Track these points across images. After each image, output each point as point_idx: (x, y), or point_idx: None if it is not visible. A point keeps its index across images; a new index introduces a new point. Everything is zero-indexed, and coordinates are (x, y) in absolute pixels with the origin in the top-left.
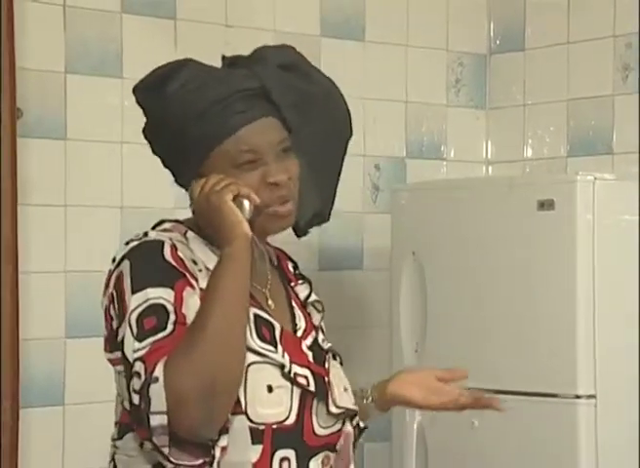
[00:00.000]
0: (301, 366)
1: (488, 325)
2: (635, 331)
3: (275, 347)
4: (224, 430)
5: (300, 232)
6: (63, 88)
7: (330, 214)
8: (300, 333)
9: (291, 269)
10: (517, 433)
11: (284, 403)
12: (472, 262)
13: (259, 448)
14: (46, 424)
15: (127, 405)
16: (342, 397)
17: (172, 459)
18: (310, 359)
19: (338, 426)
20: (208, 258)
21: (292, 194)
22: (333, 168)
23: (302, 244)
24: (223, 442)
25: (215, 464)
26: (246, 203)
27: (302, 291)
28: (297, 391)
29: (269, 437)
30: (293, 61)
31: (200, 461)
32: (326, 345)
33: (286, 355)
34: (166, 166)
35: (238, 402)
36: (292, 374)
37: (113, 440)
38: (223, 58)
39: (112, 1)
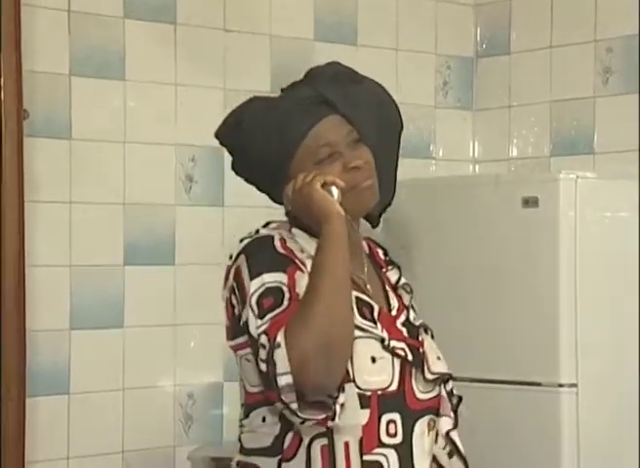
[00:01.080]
0: (398, 340)
1: (474, 317)
2: (614, 322)
3: (375, 324)
4: (342, 389)
5: (374, 222)
6: (68, 90)
7: (392, 200)
8: (394, 313)
9: (381, 256)
10: (502, 420)
11: (387, 371)
12: (459, 257)
13: (366, 411)
14: (52, 412)
15: (251, 384)
16: (436, 364)
17: (299, 414)
18: (405, 334)
19: (436, 391)
20: (312, 248)
21: (371, 174)
22: (392, 157)
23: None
24: (342, 399)
25: (337, 419)
26: (333, 189)
27: (393, 275)
28: (396, 361)
29: (376, 402)
30: (340, 71)
31: (323, 416)
32: (417, 322)
33: (385, 331)
34: (261, 190)
35: (347, 371)
36: (391, 347)
37: (240, 420)
38: (282, 89)
39: (115, 7)
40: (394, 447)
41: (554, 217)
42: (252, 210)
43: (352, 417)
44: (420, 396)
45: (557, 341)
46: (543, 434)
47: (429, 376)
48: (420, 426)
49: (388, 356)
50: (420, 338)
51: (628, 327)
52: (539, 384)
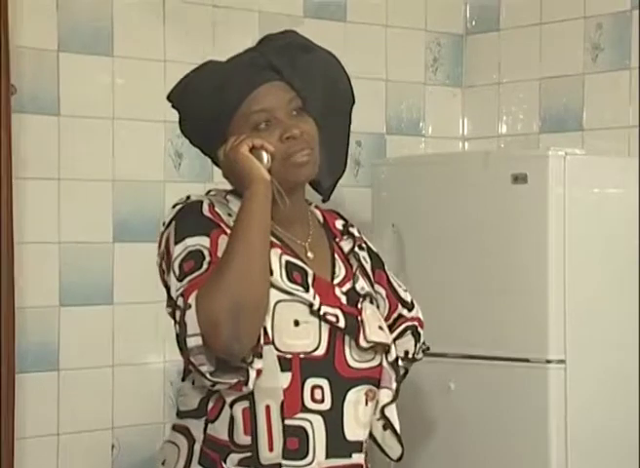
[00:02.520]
0: (333, 306)
1: (463, 293)
2: (603, 300)
3: (306, 289)
4: (258, 354)
5: (324, 196)
6: (56, 65)
7: (343, 174)
8: (337, 280)
9: (339, 227)
10: (491, 396)
11: (311, 335)
12: (449, 233)
13: (288, 375)
14: (41, 389)
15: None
16: (377, 333)
17: (209, 377)
18: (344, 301)
19: (375, 361)
20: None
21: (308, 146)
22: (340, 130)
23: None
24: (258, 365)
25: (250, 384)
26: (263, 153)
27: (346, 245)
28: (325, 326)
29: (297, 365)
30: (293, 40)
31: (235, 380)
32: (364, 291)
33: (317, 297)
34: (204, 153)
35: (266, 333)
36: (321, 312)
37: (178, 390)
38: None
39: None
40: (321, 413)
41: (543, 194)
42: None
43: (272, 380)
44: (353, 364)
45: (545, 318)
46: (531, 410)
47: (364, 344)
48: (355, 395)
49: (315, 320)
50: (359, 306)
51: (617, 304)
52: (527, 360)
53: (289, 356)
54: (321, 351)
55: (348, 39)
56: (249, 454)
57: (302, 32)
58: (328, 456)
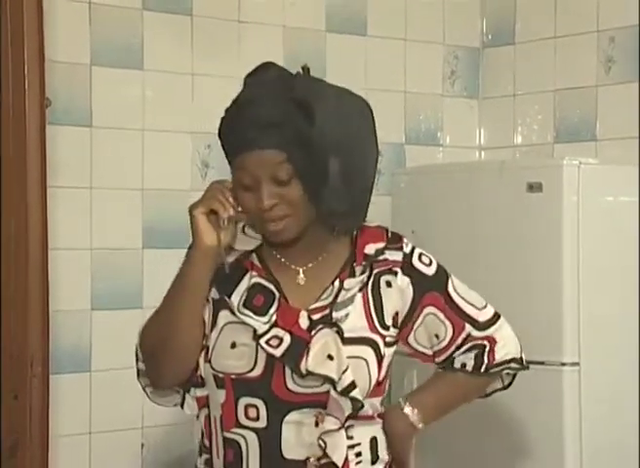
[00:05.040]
0: (284, 329)
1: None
2: (617, 304)
3: (263, 314)
4: (196, 384)
5: (340, 234)
6: (89, 79)
7: (363, 219)
8: (314, 306)
9: (369, 251)
10: (506, 398)
11: (245, 358)
12: (466, 240)
13: (222, 392)
14: (74, 389)
15: None
16: (323, 364)
17: (149, 397)
18: (302, 326)
19: (323, 388)
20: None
21: (284, 214)
22: (357, 179)
23: None
24: (196, 393)
25: (186, 409)
26: (221, 219)
27: (359, 272)
28: (262, 351)
29: (230, 385)
30: (297, 96)
31: (172, 404)
32: (341, 322)
33: (266, 319)
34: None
35: (207, 353)
36: (261, 339)
37: None
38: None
39: None
40: (255, 430)
41: (558, 202)
42: None
43: (213, 395)
44: (294, 388)
45: (560, 321)
46: (546, 412)
47: (303, 372)
48: (299, 416)
49: (253, 344)
50: (312, 333)
51: (630, 308)
52: (542, 363)
53: (221, 375)
54: (256, 373)
55: (369, 53)
56: (209, 457)
57: (325, 46)
58: None
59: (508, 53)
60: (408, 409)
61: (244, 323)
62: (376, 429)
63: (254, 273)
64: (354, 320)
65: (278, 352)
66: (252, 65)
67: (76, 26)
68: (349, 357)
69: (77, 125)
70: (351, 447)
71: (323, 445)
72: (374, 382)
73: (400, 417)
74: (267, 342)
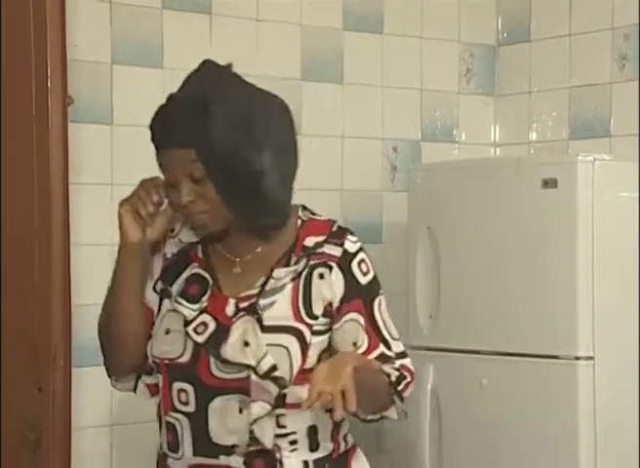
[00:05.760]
0: (211, 315)
1: (496, 292)
2: (631, 298)
3: (196, 302)
4: (148, 371)
5: (260, 237)
6: (110, 77)
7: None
8: (244, 294)
9: (309, 243)
10: (522, 392)
11: (177, 344)
12: (482, 236)
13: (160, 377)
14: (96, 382)
15: None
16: (239, 350)
17: (112, 382)
18: (228, 313)
19: (243, 374)
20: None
21: (201, 211)
22: (252, 181)
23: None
24: (146, 380)
25: (138, 391)
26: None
27: (294, 262)
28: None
29: (165, 370)
30: (200, 96)
31: (127, 390)
32: (264, 307)
33: (197, 306)
34: None
35: (150, 338)
36: (189, 326)
37: None
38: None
39: None
40: (186, 414)
41: (572, 198)
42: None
43: (157, 379)
44: (218, 373)
45: (574, 316)
46: (561, 406)
47: (222, 358)
48: (223, 402)
49: (183, 330)
50: (233, 320)
51: None
52: (556, 357)
53: (157, 360)
54: (185, 358)
55: (386, 51)
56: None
57: (342, 45)
58: (195, 454)
59: (524, 50)
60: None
61: (173, 310)
62: (315, 418)
63: (195, 264)
64: (280, 308)
65: (201, 338)
66: (269, 63)
67: (97, 25)
68: (270, 344)
69: (98, 122)
70: (284, 435)
71: (248, 432)
72: (296, 370)
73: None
74: (195, 329)
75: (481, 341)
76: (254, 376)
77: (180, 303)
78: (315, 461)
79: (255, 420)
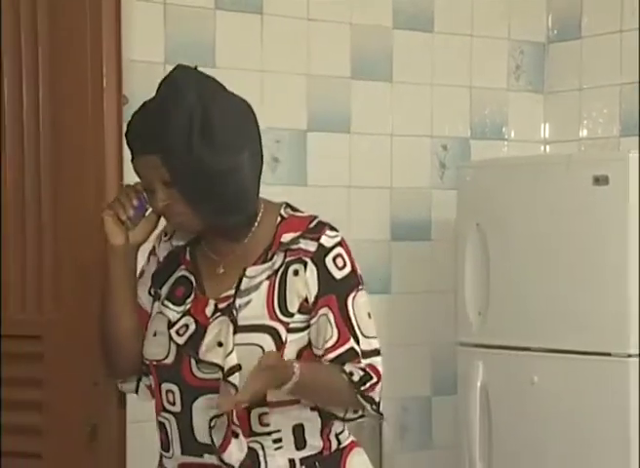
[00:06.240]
0: (193, 317)
1: (546, 289)
2: None
3: (181, 304)
4: (145, 374)
5: (232, 237)
6: (163, 77)
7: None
8: (224, 294)
9: (285, 239)
10: (573, 389)
11: (163, 345)
12: (531, 233)
13: (151, 377)
14: None
15: None
16: (212, 351)
17: (118, 385)
18: (207, 314)
19: (218, 374)
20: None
21: (175, 215)
22: (216, 187)
23: (376, 216)
24: (147, 381)
25: (141, 394)
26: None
27: (277, 259)
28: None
29: (154, 371)
30: (154, 105)
31: (130, 391)
32: (241, 310)
33: (181, 308)
34: None
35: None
36: (175, 325)
37: None
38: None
39: None
40: (174, 414)
41: (624, 194)
42: (332, 189)
43: (149, 380)
44: (198, 374)
45: (626, 313)
46: (612, 403)
47: (198, 358)
48: (205, 402)
49: (167, 332)
50: (210, 320)
51: None
52: (608, 354)
53: (147, 362)
54: (170, 360)
55: (435, 48)
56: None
57: (392, 43)
58: (183, 453)
59: (574, 47)
60: (296, 365)
61: (161, 313)
62: (301, 416)
63: (182, 266)
64: (254, 307)
65: (181, 340)
66: (320, 62)
67: (151, 26)
68: (244, 344)
69: None
70: (267, 433)
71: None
72: None
73: (283, 361)
74: (177, 331)
75: (531, 338)
76: (220, 377)
77: (165, 306)
78: (302, 460)
79: (213, 417)
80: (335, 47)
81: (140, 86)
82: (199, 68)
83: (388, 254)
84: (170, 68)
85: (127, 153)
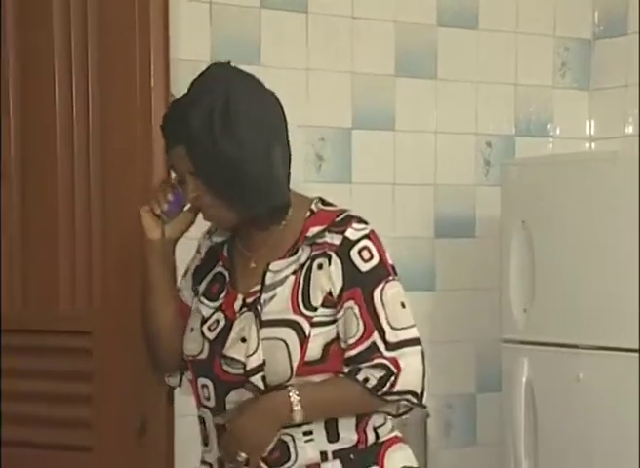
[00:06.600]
0: (223, 312)
1: (591, 286)
2: None
3: (215, 299)
4: (185, 369)
5: (260, 227)
6: None
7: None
8: (252, 289)
9: (311, 233)
10: (619, 386)
11: (197, 341)
12: (577, 230)
13: (190, 373)
14: None
15: None
16: (236, 347)
17: (165, 377)
18: (236, 308)
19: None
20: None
21: (203, 205)
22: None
23: (420, 213)
24: (189, 376)
25: (184, 389)
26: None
27: (292, 254)
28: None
29: (191, 366)
30: (184, 99)
31: (174, 386)
32: (266, 305)
33: (215, 304)
34: None
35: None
36: (208, 321)
37: None
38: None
39: None
40: (209, 409)
41: None
42: (377, 186)
43: (190, 375)
44: (227, 369)
45: None
46: None
47: (223, 354)
48: (235, 397)
49: (200, 328)
50: (236, 315)
51: None
52: None
53: (186, 358)
54: (204, 355)
55: (480, 45)
56: None
57: (437, 41)
58: (219, 447)
59: (620, 43)
60: (293, 395)
61: (197, 309)
62: None
63: (220, 263)
64: (278, 302)
65: (212, 336)
66: (364, 60)
67: (197, 25)
68: (267, 338)
69: None
70: (298, 425)
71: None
72: (296, 363)
73: (281, 396)
74: (209, 327)
75: (577, 335)
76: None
77: (201, 302)
78: (335, 452)
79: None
80: (379, 45)
81: (187, 84)
82: (241, 66)
83: (432, 252)
84: None
85: None
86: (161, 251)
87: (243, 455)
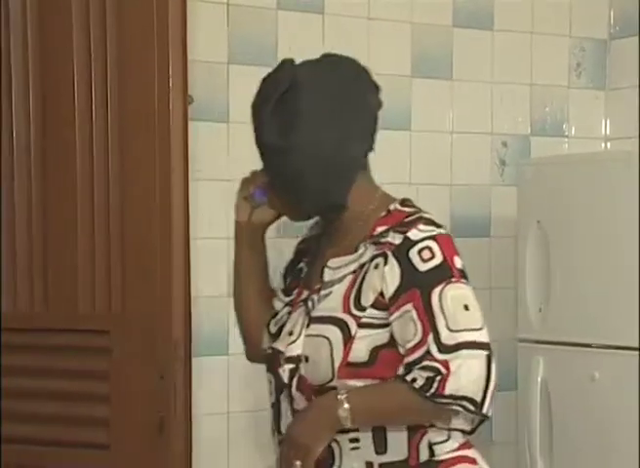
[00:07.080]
0: (290, 307)
1: (606, 286)
2: None
3: (289, 295)
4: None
5: (327, 217)
6: (227, 77)
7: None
8: (317, 286)
9: (376, 232)
10: (634, 386)
11: (266, 335)
12: (592, 230)
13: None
14: (213, 371)
15: None
16: (284, 339)
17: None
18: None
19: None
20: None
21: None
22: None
23: (436, 213)
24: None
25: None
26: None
27: (366, 253)
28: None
29: (264, 360)
30: (261, 91)
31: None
32: (320, 302)
33: (288, 299)
34: None
35: None
36: (277, 315)
37: None
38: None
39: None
40: (272, 404)
41: None
42: (392, 186)
43: None
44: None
45: None
46: None
47: (271, 345)
48: (287, 393)
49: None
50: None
51: None
52: None
53: (262, 352)
54: (270, 350)
55: (496, 46)
56: None
57: (452, 41)
58: (279, 443)
59: (636, 44)
60: (343, 399)
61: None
62: None
63: (305, 258)
64: (332, 300)
65: (274, 329)
66: (380, 61)
67: (215, 27)
68: (312, 335)
69: (216, 120)
70: (345, 431)
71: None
72: (338, 362)
73: (328, 397)
74: (276, 321)
75: (592, 334)
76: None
77: (278, 297)
78: (383, 465)
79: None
80: (395, 45)
81: (204, 86)
82: (258, 67)
83: None
84: (232, 68)
85: (192, 152)
86: (249, 234)
87: (298, 464)
